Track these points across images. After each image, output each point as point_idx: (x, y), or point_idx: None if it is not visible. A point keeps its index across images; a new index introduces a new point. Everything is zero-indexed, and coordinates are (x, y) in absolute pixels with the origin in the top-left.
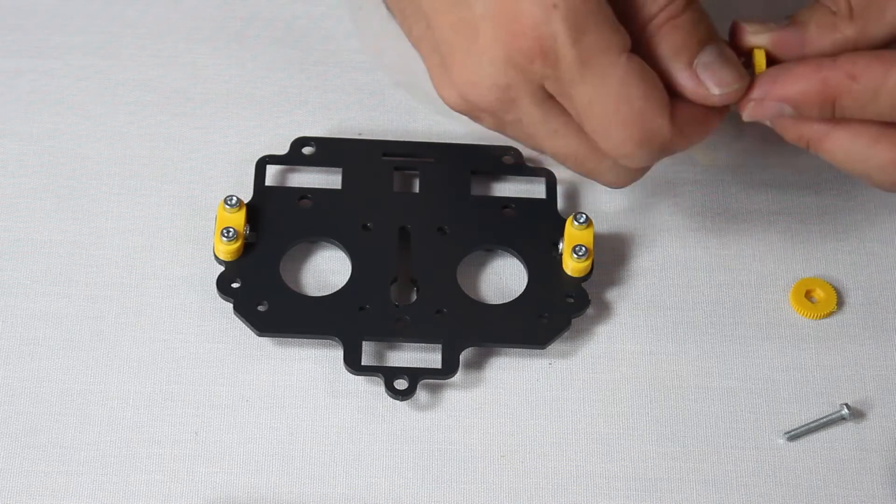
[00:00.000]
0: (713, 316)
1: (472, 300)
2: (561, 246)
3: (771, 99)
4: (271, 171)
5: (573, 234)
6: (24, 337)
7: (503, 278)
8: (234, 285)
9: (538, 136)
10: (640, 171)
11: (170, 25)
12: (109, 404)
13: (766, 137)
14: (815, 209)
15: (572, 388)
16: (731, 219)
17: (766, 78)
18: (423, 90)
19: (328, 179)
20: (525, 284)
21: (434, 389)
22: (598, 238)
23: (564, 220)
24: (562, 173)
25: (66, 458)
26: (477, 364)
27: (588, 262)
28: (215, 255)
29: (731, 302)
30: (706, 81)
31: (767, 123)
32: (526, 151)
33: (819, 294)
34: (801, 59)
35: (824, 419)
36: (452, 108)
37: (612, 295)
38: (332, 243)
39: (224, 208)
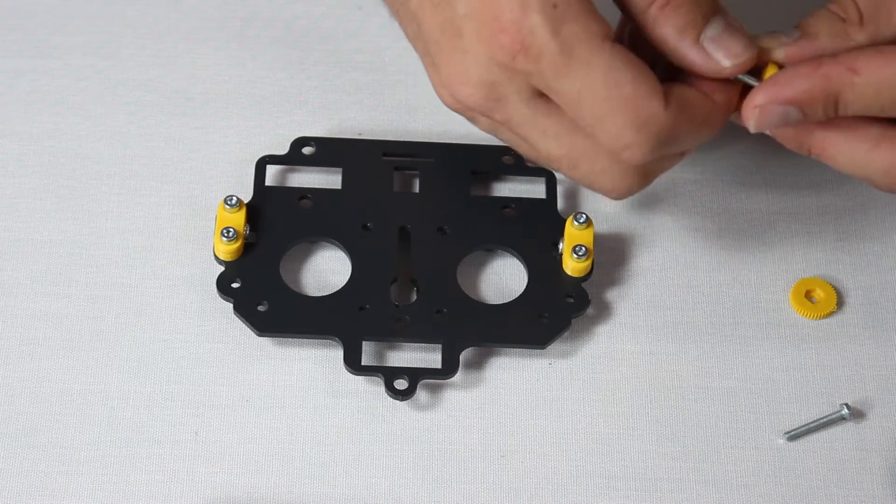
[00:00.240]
0: (713, 316)
1: (472, 300)
2: (561, 246)
3: (775, 102)
4: (271, 171)
5: (573, 234)
6: (24, 337)
7: (503, 278)
8: (234, 285)
9: (530, 137)
10: (637, 176)
11: (170, 25)
12: (109, 404)
13: (765, 138)
14: (815, 209)
15: (572, 388)
16: (731, 219)
17: (768, 83)
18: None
19: (328, 179)
20: (525, 284)
21: (434, 389)
22: (598, 238)
23: (564, 220)
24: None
25: (66, 458)
26: (477, 364)
27: (588, 262)
28: (215, 255)
29: (731, 302)
30: (715, 55)
31: (770, 133)
32: None
33: (819, 294)
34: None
35: (824, 419)
36: (448, 107)
37: (612, 295)
38: (332, 243)
39: (224, 208)
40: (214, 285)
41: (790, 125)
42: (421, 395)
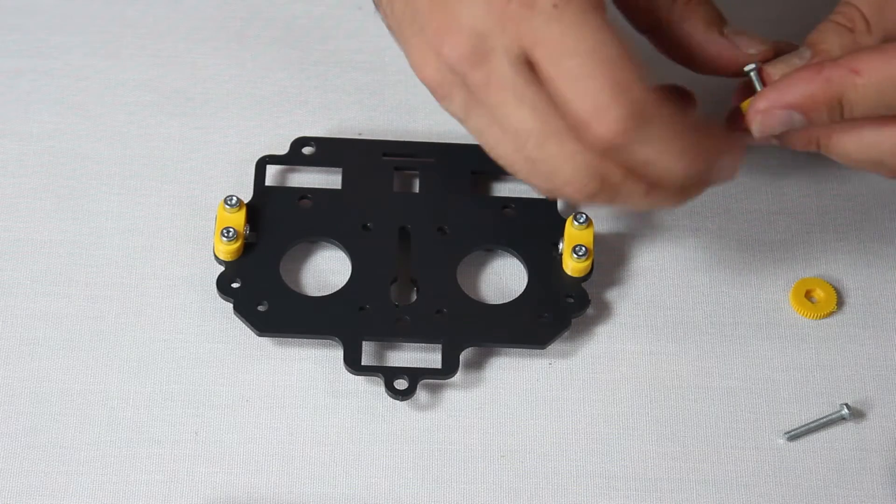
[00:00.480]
0: (713, 316)
1: (472, 300)
2: (561, 246)
3: (778, 107)
4: (271, 171)
5: (573, 234)
6: (24, 337)
7: (503, 278)
8: (234, 285)
9: (505, 105)
10: (598, 174)
11: (170, 25)
12: (109, 404)
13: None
14: (815, 209)
15: (572, 388)
16: (731, 219)
17: (770, 88)
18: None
19: (328, 179)
20: (525, 284)
21: (434, 389)
22: (598, 238)
23: (564, 220)
24: None
25: (66, 458)
26: (477, 364)
27: (588, 262)
28: (215, 255)
29: (731, 302)
30: (741, 44)
31: (775, 142)
32: None
33: (819, 294)
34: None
35: (824, 419)
36: (426, 79)
37: (612, 295)
38: (332, 243)
39: (224, 208)
40: (214, 285)
41: (795, 130)
42: (421, 395)
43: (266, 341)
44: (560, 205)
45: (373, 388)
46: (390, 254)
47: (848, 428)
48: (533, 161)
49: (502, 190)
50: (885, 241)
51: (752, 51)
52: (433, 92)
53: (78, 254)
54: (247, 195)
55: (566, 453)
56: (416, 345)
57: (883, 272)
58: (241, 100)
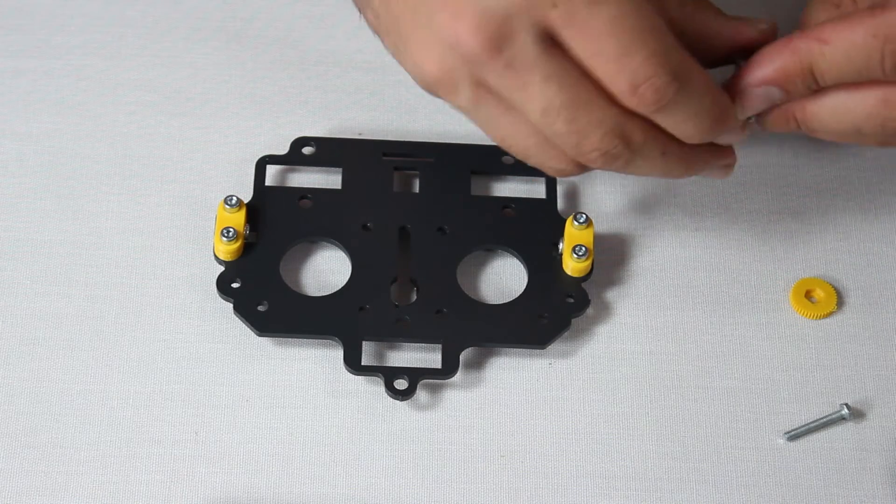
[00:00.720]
0: (713, 316)
1: (472, 300)
2: (561, 246)
3: (754, 85)
4: (271, 171)
5: (573, 234)
6: (24, 337)
7: (503, 278)
8: (234, 285)
9: (530, 85)
10: (624, 140)
11: (170, 25)
12: (109, 404)
13: (766, 137)
14: (815, 209)
15: (572, 388)
16: (731, 219)
17: (744, 69)
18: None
19: (328, 179)
20: (525, 284)
21: (434, 389)
22: (598, 238)
23: (564, 220)
24: None
25: (66, 458)
26: (477, 364)
27: (588, 262)
28: (215, 255)
29: (731, 302)
30: (754, 23)
31: (758, 127)
32: None
33: (819, 294)
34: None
35: (824, 419)
36: (429, 74)
37: (612, 295)
38: (332, 243)
39: (224, 208)
40: (214, 285)
41: (777, 105)
42: (421, 395)
43: (266, 341)
44: (560, 205)
45: (373, 388)
46: (390, 254)
47: (848, 428)
48: (556, 137)
49: (502, 190)
50: (885, 241)
51: (762, 26)
52: (435, 88)
53: (78, 254)
54: (247, 195)
55: (566, 453)
56: (415, 345)
57: (883, 272)
58: (241, 100)
